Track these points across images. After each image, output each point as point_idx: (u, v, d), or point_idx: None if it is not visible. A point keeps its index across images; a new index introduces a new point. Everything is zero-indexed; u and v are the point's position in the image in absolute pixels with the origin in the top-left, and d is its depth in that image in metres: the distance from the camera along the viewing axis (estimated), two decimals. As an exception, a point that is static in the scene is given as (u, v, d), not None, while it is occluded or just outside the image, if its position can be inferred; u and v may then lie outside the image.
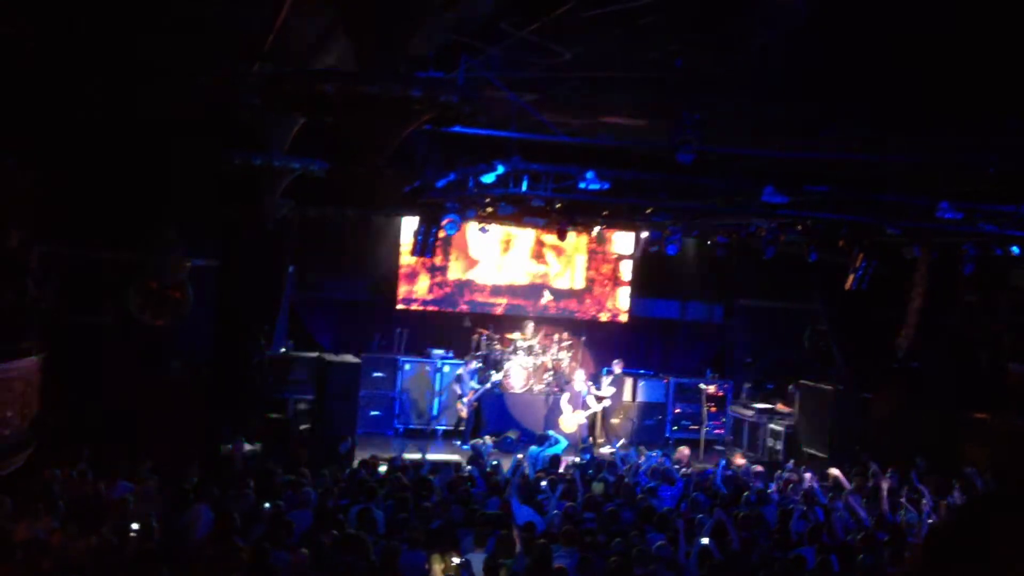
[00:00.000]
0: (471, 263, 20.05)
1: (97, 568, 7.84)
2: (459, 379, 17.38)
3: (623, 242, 20.72)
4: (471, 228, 17.83)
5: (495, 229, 19.10)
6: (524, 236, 20.24)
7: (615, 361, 18.94)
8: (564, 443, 15.14)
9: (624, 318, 20.94)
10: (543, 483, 12.13)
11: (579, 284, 20.74)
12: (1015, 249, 14.29)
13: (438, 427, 17.85)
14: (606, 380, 18.54)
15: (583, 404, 17.82)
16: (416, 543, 9.13)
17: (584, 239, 20.57)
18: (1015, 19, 6.81)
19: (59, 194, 14.88)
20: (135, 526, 9.08)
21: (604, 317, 20.86)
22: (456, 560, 8.54)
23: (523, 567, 8.75)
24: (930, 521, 11.88)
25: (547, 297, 20.43)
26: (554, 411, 18.24)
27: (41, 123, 13.98)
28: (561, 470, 13.70)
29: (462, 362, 17.85)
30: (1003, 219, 13.39)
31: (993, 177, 12.99)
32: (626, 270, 20.85)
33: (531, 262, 20.44)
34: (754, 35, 7.18)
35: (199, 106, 13.33)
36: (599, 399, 18.26)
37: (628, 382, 19.37)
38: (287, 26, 8.64)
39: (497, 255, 20.19)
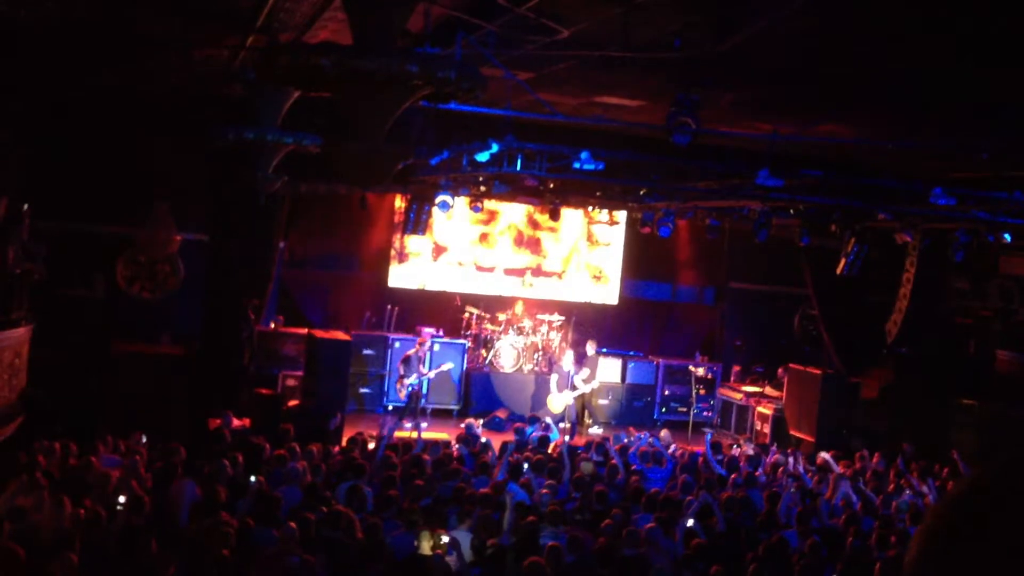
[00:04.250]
0: (439, 250, 19.87)
1: (84, 541, 7.81)
2: (407, 360, 17.17)
3: (614, 223, 20.70)
4: (437, 214, 17.64)
5: (463, 213, 18.99)
6: (508, 221, 20.09)
7: (588, 342, 18.91)
8: (555, 434, 15.02)
9: (615, 300, 20.91)
10: (524, 465, 12.12)
11: (573, 267, 20.63)
12: (1007, 236, 14.30)
13: (427, 404, 17.83)
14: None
15: (570, 385, 17.82)
16: (406, 521, 9.13)
17: (584, 222, 20.44)
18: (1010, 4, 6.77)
19: (52, 167, 14.82)
20: (122, 499, 9.07)
21: (595, 299, 20.82)
22: (445, 538, 8.53)
23: (510, 545, 8.77)
24: (909, 501, 11.97)
25: (538, 279, 20.38)
26: (542, 392, 18.22)
27: (35, 96, 13.89)
28: (549, 450, 13.71)
29: (412, 342, 17.71)
30: (996, 205, 13.40)
31: (986, 163, 13.00)
32: (618, 252, 20.80)
33: (522, 248, 20.27)
34: (754, 16, 7.14)
35: (193, 80, 13.25)
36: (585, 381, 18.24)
37: (601, 362, 19.33)
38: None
39: (469, 241, 19.99)
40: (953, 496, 1.30)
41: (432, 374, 17.42)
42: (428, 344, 17.64)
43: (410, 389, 16.94)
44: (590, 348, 18.59)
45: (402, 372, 17.14)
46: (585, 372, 17.82)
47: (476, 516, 9.45)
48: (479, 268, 20.08)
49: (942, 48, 8.01)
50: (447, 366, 17.83)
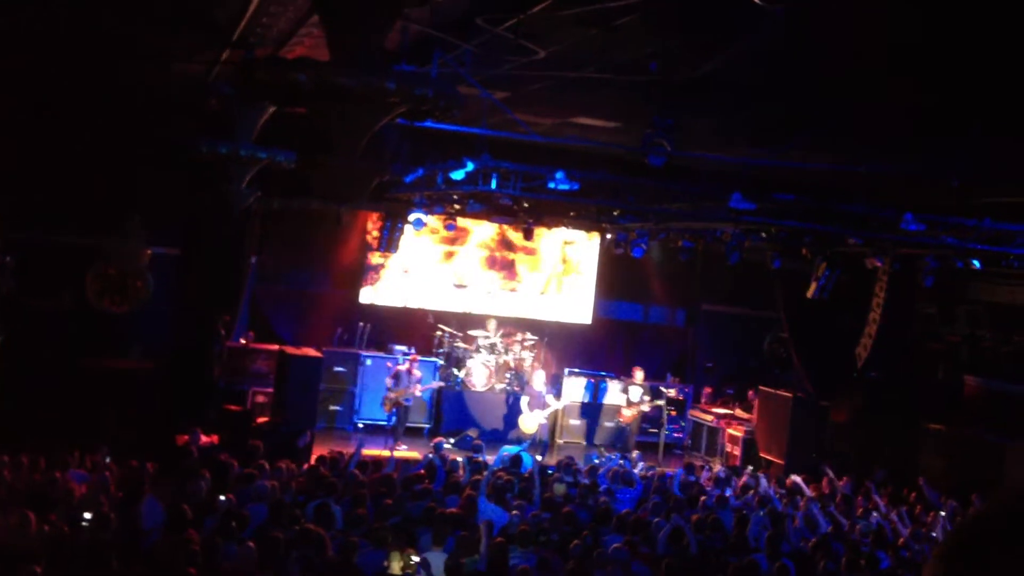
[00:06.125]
0: (410, 268, 19.65)
1: (48, 557, 7.70)
2: (397, 376, 17.09)
3: (588, 244, 20.69)
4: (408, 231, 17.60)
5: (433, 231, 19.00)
6: (478, 240, 20.04)
7: (635, 368, 18.86)
8: (528, 459, 14.96)
9: (588, 319, 20.90)
10: (499, 482, 12.07)
11: (550, 288, 20.57)
12: (976, 262, 14.43)
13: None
14: (637, 391, 18.49)
15: (542, 404, 17.80)
16: (375, 540, 9.06)
17: (560, 243, 20.41)
18: (983, 30, 6.86)
19: (21, 177, 14.66)
20: (88, 515, 8.95)
21: (567, 318, 20.78)
22: (415, 558, 8.48)
23: (482, 567, 8.72)
24: (877, 525, 12.02)
25: (511, 297, 20.32)
26: (514, 411, 18.20)
27: (5, 106, 13.75)
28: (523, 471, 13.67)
29: (401, 359, 17.64)
30: (965, 232, 13.53)
31: (956, 190, 13.13)
32: (590, 272, 20.79)
33: (496, 270, 20.21)
34: (730, 41, 7.19)
35: (166, 92, 13.18)
36: (630, 405, 18.35)
37: (573, 383, 19.34)
38: (259, 13, 8.54)
39: (439, 259, 19.89)
40: (981, 521, 1.28)
41: (420, 392, 17.40)
42: (418, 361, 17.55)
43: (405, 403, 16.92)
44: (638, 375, 18.58)
45: (389, 386, 17.03)
46: (641, 396, 18.15)
47: (452, 536, 9.38)
48: (452, 286, 19.97)
49: (911, 71, 8.10)
50: (436, 384, 17.82)
